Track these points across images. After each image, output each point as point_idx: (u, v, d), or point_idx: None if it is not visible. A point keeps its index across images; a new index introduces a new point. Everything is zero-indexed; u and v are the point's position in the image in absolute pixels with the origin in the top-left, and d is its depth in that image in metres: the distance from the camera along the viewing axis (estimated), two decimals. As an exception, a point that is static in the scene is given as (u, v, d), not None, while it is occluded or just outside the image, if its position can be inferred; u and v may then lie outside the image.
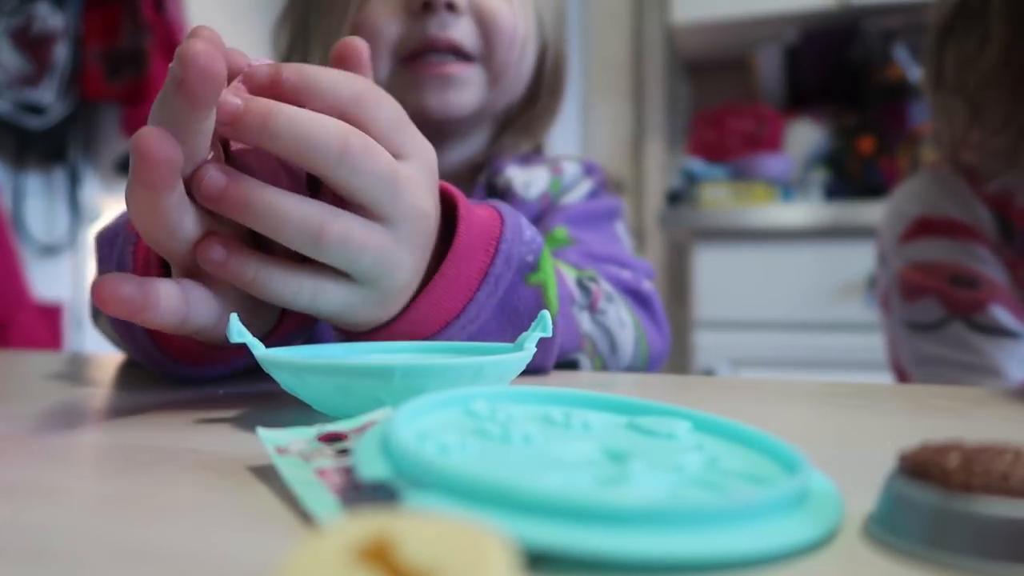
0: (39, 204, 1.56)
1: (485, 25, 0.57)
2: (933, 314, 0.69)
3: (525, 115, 0.65)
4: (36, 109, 1.45)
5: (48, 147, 1.50)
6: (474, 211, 0.37)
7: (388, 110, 0.31)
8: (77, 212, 1.59)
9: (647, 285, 0.56)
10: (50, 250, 1.55)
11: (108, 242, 0.38)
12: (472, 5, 0.56)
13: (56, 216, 1.58)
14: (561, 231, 0.57)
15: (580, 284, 0.48)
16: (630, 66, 2.21)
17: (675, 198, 1.86)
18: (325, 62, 0.57)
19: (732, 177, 1.77)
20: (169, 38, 1.53)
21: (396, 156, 0.31)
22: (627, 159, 2.17)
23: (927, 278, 0.69)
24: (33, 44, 1.42)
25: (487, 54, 0.57)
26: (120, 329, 0.37)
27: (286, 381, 0.28)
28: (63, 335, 1.48)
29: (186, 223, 0.28)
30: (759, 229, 1.62)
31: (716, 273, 1.65)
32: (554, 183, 0.62)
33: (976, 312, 0.67)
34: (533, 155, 0.65)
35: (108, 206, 1.64)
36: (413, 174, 0.32)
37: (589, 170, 0.65)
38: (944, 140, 0.71)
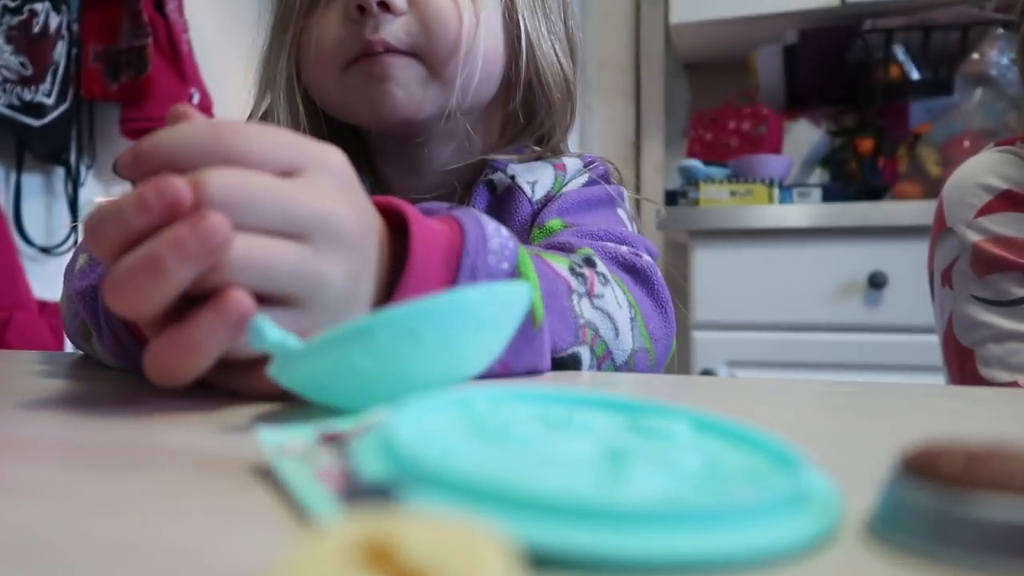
0: (38, 204, 1.56)
1: (426, 22, 0.55)
2: (1017, 290, 0.68)
3: (512, 129, 0.63)
4: (35, 109, 1.45)
5: (47, 147, 1.50)
6: (429, 227, 0.35)
7: (256, 139, 0.30)
8: (76, 212, 1.59)
9: (645, 259, 0.53)
10: (49, 250, 1.55)
11: (90, 299, 0.40)
12: (415, 4, 0.55)
13: (55, 216, 1.58)
14: (555, 222, 0.56)
15: (573, 271, 0.45)
16: (629, 66, 2.21)
17: (674, 198, 1.86)
18: (289, 89, 0.59)
19: (731, 177, 1.77)
20: (169, 38, 1.52)
21: (287, 174, 0.30)
22: (626, 159, 2.17)
23: (1012, 252, 0.69)
24: (32, 44, 1.42)
25: (427, 48, 0.56)
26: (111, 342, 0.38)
27: (288, 381, 0.28)
28: (63, 335, 1.48)
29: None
30: (758, 229, 1.62)
31: (715, 273, 1.65)
32: (557, 181, 0.61)
33: None
34: (531, 151, 0.63)
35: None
36: (304, 185, 0.30)
37: (588, 163, 0.64)
38: None
